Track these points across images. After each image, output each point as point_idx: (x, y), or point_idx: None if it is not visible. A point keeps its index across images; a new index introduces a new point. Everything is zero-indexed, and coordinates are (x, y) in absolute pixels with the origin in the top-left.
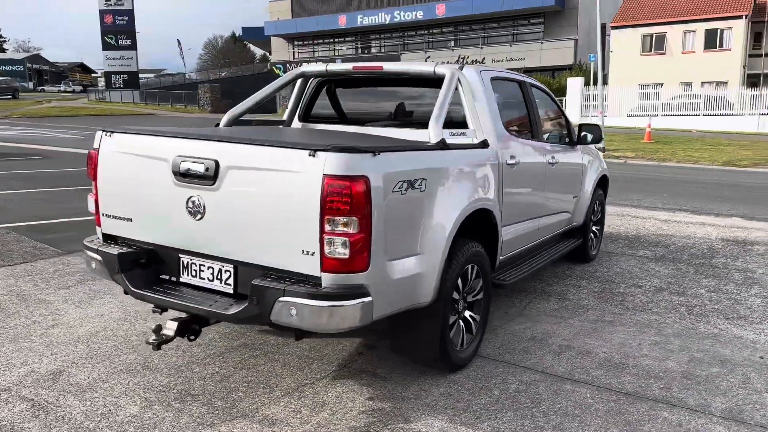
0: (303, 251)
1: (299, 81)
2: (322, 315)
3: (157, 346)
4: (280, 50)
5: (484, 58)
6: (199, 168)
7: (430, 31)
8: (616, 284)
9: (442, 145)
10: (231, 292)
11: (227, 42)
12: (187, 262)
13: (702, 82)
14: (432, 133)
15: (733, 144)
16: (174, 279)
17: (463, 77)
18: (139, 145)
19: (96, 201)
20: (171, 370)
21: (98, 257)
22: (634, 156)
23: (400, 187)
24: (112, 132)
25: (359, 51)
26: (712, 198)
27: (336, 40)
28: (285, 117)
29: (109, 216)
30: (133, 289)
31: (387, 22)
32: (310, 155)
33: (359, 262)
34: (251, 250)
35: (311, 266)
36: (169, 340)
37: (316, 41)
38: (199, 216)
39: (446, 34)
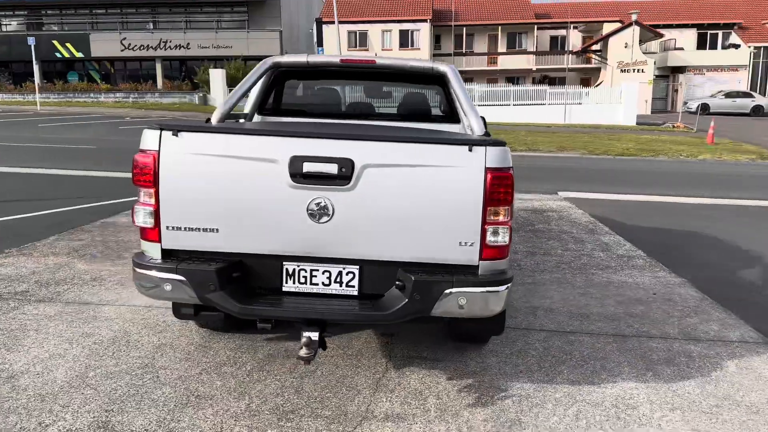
0: (460, 242)
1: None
2: (489, 301)
3: (309, 360)
4: None
5: (189, 43)
6: (331, 169)
7: (124, 11)
8: None
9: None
10: (355, 294)
11: None
12: (293, 270)
13: None
14: (476, 127)
15: None
16: (267, 289)
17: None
18: (234, 144)
19: (156, 212)
20: (272, 387)
21: (178, 277)
22: None
23: None
24: (179, 130)
25: (33, 28)
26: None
27: None
28: (247, 110)
29: (177, 228)
30: (241, 305)
31: None
32: (469, 150)
33: (507, 248)
34: (392, 247)
35: (469, 256)
36: (316, 352)
37: None
38: (325, 219)
39: (142, 15)
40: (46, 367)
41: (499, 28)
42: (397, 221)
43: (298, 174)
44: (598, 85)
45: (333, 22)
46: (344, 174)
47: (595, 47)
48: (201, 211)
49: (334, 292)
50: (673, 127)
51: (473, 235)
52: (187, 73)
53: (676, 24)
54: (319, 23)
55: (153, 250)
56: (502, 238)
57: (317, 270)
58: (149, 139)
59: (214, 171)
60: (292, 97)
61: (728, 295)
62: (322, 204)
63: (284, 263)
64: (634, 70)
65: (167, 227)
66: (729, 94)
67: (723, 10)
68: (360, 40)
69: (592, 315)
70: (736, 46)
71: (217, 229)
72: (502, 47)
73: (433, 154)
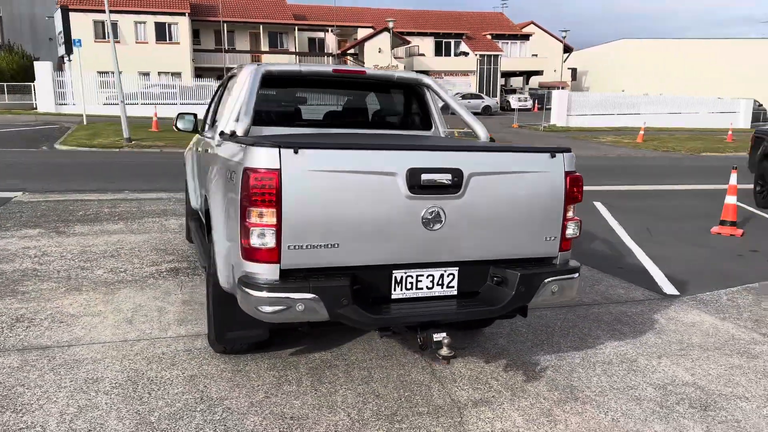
0: (546, 238)
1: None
2: (573, 287)
3: (450, 359)
4: None
5: None
6: (445, 179)
7: None
8: None
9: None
10: (454, 293)
11: None
12: (402, 277)
13: (159, 73)
14: (482, 134)
15: None
16: (376, 298)
17: (438, 85)
18: (353, 160)
19: (278, 232)
20: (352, 396)
21: (311, 296)
22: (165, 145)
23: None
24: (299, 147)
25: None
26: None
27: None
28: (229, 120)
29: (298, 247)
30: (374, 316)
31: None
32: (551, 157)
33: (573, 240)
34: (489, 247)
35: (551, 249)
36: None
37: None
38: (437, 226)
39: None
40: (94, 425)
41: (261, 26)
42: (496, 223)
43: (416, 185)
44: None
45: (82, 10)
46: (456, 183)
47: (352, 51)
48: (321, 228)
49: (436, 294)
50: None
51: (556, 230)
52: None
53: (418, 32)
54: (65, 10)
55: (269, 271)
56: (575, 231)
57: (422, 275)
58: (267, 157)
59: (333, 186)
60: (277, 106)
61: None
62: (436, 212)
63: (394, 271)
64: None
65: (288, 246)
66: (465, 96)
67: (453, 22)
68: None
69: None
70: (466, 54)
71: (338, 244)
72: (264, 46)
73: (524, 161)
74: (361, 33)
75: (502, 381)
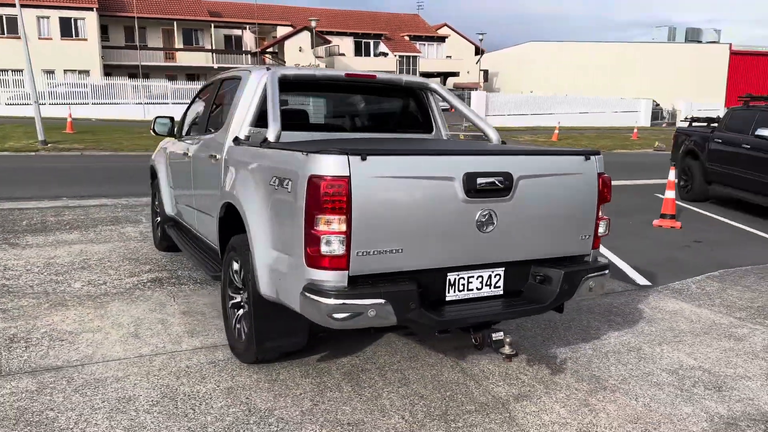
0: (581, 236)
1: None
2: (605, 283)
3: (512, 357)
4: None
5: None
6: (497, 182)
7: None
8: None
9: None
10: (501, 293)
11: None
12: (455, 279)
13: (65, 70)
14: (494, 137)
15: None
16: (432, 301)
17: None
18: (416, 166)
19: (347, 239)
20: (396, 398)
21: (381, 301)
22: (85, 147)
23: None
24: (367, 154)
25: None
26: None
27: None
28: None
29: (366, 253)
30: (439, 319)
31: None
32: (585, 159)
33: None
34: (532, 247)
35: (585, 247)
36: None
37: None
38: (490, 228)
39: None
40: None
41: (175, 23)
42: (540, 223)
43: (472, 189)
44: None
45: None
46: (507, 186)
47: (271, 49)
48: (386, 233)
49: (485, 294)
50: None
51: (590, 229)
52: None
53: (337, 32)
54: None
55: (338, 278)
56: (605, 229)
57: (473, 276)
58: (336, 164)
59: (397, 192)
60: (290, 111)
61: None
62: (489, 215)
63: (448, 274)
64: None
65: (357, 253)
66: None
67: (372, 22)
68: (8, 27)
69: None
70: (385, 54)
71: (402, 249)
72: (179, 43)
73: (563, 163)
74: (281, 31)
75: (531, 375)
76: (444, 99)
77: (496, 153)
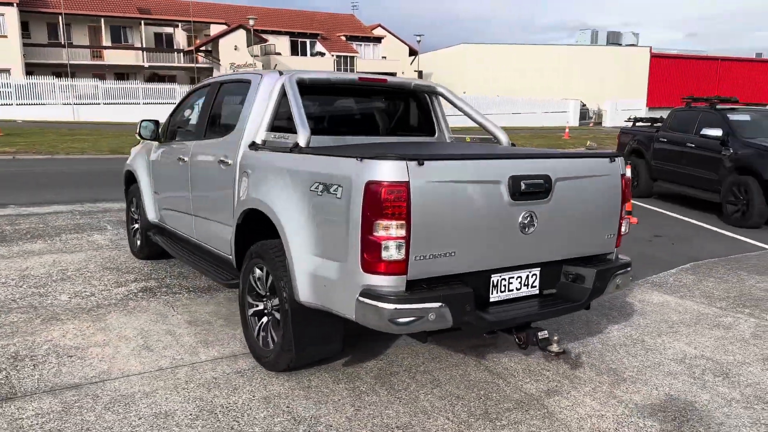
0: (607, 235)
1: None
2: (628, 280)
3: (559, 355)
4: None
5: None
6: (538, 184)
7: None
8: None
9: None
10: (537, 293)
11: None
12: (497, 281)
13: None
14: (504, 139)
15: (94, 133)
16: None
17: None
18: (466, 170)
19: (407, 243)
20: (435, 398)
21: (437, 304)
22: (17, 151)
23: None
24: (423, 160)
25: None
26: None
27: None
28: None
29: (424, 258)
30: (492, 320)
31: None
32: (610, 161)
33: None
34: (564, 247)
35: (610, 245)
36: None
37: None
38: (531, 230)
39: None
40: None
41: (102, 20)
42: (573, 224)
43: (516, 192)
44: None
45: None
46: (546, 188)
47: (204, 48)
48: (441, 237)
49: (523, 294)
50: None
51: (615, 228)
52: None
53: (273, 30)
54: None
55: (397, 283)
56: (626, 228)
57: (513, 277)
58: (395, 170)
59: (450, 196)
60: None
61: None
62: (530, 217)
63: (492, 276)
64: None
65: (415, 257)
66: None
67: (308, 22)
68: None
69: None
70: (322, 54)
71: (454, 252)
72: (107, 41)
73: (593, 165)
74: (214, 29)
75: (553, 370)
76: (451, 102)
77: (535, 156)
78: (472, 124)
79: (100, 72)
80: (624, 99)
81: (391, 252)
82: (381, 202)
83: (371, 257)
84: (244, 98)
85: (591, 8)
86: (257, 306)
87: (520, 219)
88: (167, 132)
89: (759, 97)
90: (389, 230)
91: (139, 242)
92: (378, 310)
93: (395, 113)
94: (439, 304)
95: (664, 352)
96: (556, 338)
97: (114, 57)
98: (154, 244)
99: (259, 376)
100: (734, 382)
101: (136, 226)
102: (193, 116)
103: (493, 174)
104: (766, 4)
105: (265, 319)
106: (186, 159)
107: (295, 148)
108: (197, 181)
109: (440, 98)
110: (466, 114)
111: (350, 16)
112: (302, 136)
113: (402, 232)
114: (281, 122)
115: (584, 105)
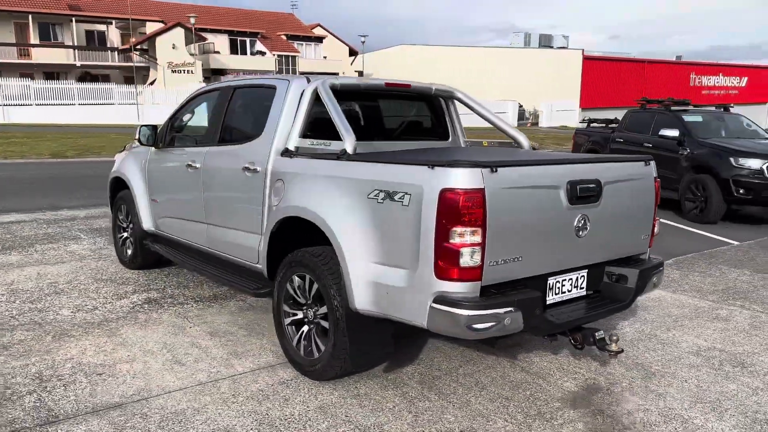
0: (643, 236)
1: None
2: (662, 279)
3: (617, 354)
4: None
5: None
6: (591, 189)
7: None
8: None
9: None
10: (584, 294)
11: None
12: (553, 283)
13: None
14: (525, 143)
15: (30, 136)
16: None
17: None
18: (531, 176)
19: (483, 249)
20: (485, 400)
21: (511, 308)
22: None
23: None
24: (496, 166)
25: None
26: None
27: None
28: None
29: (497, 263)
30: (558, 322)
31: None
32: (645, 164)
33: None
34: (612, 248)
35: (644, 245)
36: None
37: None
38: (584, 233)
39: None
40: None
41: (30, 16)
42: (617, 226)
43: (574, 197)
44: (152, 83)
45: None
46: (597, 192)
47: (140, 46)
48: (511, 242)
49: (573, 295)
50: None
51: (649, 229)
52: None
53: (211, 29)
54: None
55: (471, 289)
56: (658, 229)
57: (565, 279)
58: (471, 177)
59: (518, 202)
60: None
61: None
62: (584, 220)
63: (548, 279)
64: (184, 71)
65: (489, 263)
66: None
67: (247, 20)
68: None
69: None
70: (263, 53)
71: (521, 257)
72: (35, 39)
73: (632, 169)
74: (150, 27)
75: (585, 368)
76: (469, 107)
77: (586, 161)
78: (473, 125)
79: (27, 71)
80: (558, 100)
81: (467, 258)
82: (458, 210)
83: (446, 264)
84: (269, 104)
85: (518, 10)
86: (296, 315)
87: (575, 223)
88: (165, 137)
89: (681, 96)
90: (465, 237)
91: (130, 251)
92: (454, 316)
93: (414, 118)
94: (513, 308)
95: (678, 345)
96: (615, 338)
97: (43, 55)
98: (148, 253)
99: (305, 385)
100: (753, 371)
101: (126, 234)
102: (201, 121)
103: (553, 179)
104: (680, 10)
105: (305, 328)
106: (197, 165)
107: (344, 155)
108: (213, 188)
109: (456, 102)
110: (485, 119)
111: (290, 15)
112: (349, 143)
113: (477, 239)
114: (307, 128)
115: (521, 106)
